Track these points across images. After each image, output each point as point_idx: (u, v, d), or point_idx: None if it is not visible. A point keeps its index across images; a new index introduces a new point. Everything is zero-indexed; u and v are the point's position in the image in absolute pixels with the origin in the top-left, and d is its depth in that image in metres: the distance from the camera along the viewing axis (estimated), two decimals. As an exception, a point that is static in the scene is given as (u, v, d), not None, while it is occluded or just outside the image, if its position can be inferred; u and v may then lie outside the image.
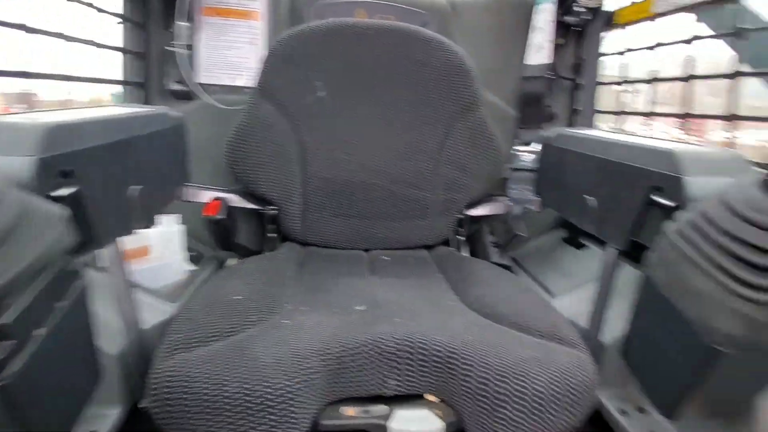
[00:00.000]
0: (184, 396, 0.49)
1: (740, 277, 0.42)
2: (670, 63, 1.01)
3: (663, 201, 0.60)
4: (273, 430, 0.49)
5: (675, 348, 0.52)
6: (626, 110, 1.16)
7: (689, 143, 0.82)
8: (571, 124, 1.24)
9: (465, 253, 1.00)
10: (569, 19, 1.14)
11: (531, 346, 0.58)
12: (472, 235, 1.07)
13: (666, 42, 1.00)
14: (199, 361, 0.51)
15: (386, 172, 0.94)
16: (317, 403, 0.53)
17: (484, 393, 0.53)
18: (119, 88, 1.07)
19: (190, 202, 0.91)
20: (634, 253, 0.67)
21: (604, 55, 1.20)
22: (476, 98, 0.93)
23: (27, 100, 0.91)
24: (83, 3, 0.89)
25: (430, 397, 0.58)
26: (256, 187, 0.93)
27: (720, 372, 0.48)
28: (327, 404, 0.55)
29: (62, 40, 0.83)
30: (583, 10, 1.12)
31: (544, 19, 1.13)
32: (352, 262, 0.87)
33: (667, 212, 0.58)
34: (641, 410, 0.76)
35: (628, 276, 0.73)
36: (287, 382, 0.50)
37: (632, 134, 0.97)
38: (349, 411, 0.56)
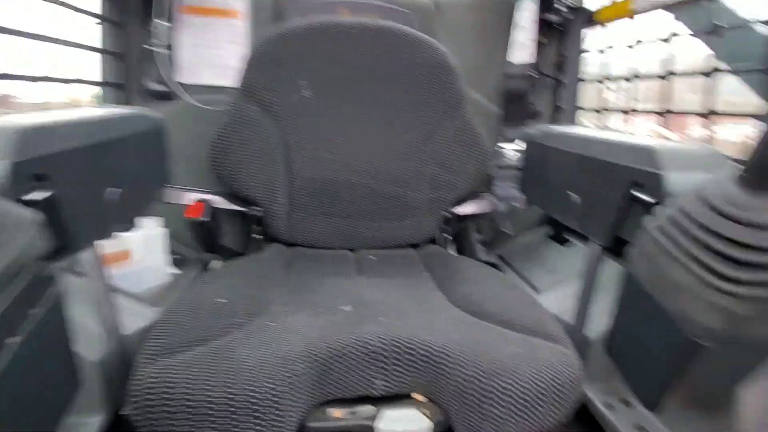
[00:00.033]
0: (167, 402, 0.48)
1: (718, 270, 0.43)
2: (651, 61, 1.02)
3: (643, 197, 0.61)
4: None
5: (657, 342, 0.52)
6: (608, 107, 1.17)
7: (669, 140, 0.83)
8: (554, 122, 1.26)
9: (452, 251, 1.00)
10: (551, 17, 1.16)
11: (517, 342, 0.58)
12: (459, 233, 1.07)
13: (645, 40, 1.02)
14: (182, 366, 0.50)
15: (372, 171, 0.93)
16: (304, 405, 0.53)
17: (471, 391, 0.53)
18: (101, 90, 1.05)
19: (172, 204, 0.90)
20: (617, 248, 0.68)
21: (585, 52, 1.21)
22: (461, 97, 0.94)
23: (4, 103, 0.89)
24: (60, 3, 0.86)
25: (418, 397, 0.58)
26: (240, 188, 0.92)
27: (701, 364, 0.48)
28: (313, 406, 0.54)
29: (39, 42, 0.81)
30: (564, 8, 1.14)
31: (526, 17, 1.14)
32: (338, 263, 0.87)
33: (648, 208, 0.59)
34: (627, 404, 0.77)
35: (611, 271, 0.74)
36: (272, 385, 0.50)
37: (614, 131, 0.98)
38: (336, 412, 0.55)
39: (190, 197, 0.91)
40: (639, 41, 1.03)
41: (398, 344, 0.56)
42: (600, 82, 1.18)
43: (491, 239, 1.10)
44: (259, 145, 0.90)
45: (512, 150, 1.08)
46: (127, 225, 0.74)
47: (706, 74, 0.83)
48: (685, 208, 0.46)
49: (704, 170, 0.57)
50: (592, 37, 1.20)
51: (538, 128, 0.98)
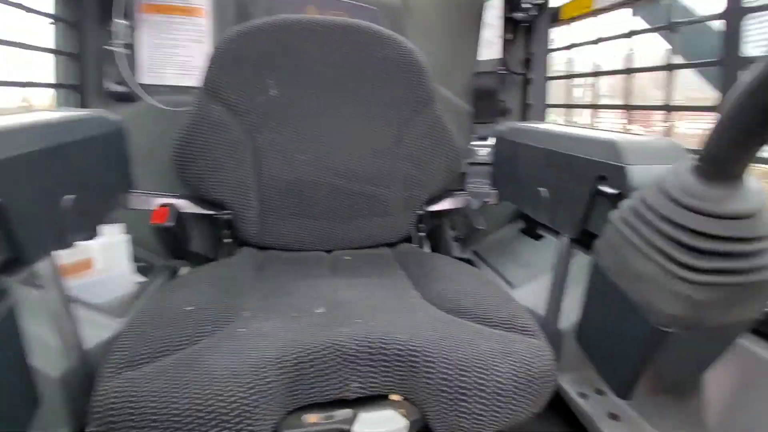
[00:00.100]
0: (131, 418, 0.46)
1: (678, 259, 0.44)
2: (616, 58, 1.05)
3: (608, 190, 0.62)
4: None
5: (624, 331, 0.54)
6: (575, 103, 1.20)
7: (633, 133, 0.85)
8: (524, 118, 1.28)
9: (426, 248, 1.00)
10: (517, 15, 1.17)
11: (491, 338, 0.59)
12: (433, 230, 1.07)
13: (606, 37, 1.04)
14: (146, 378, 0.48)
15: (344, 170, 0.92)
16: (277, 413, 0.51)
17: (445, 388, 0.53)
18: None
19: (136, 210, 0.87)
20: (586, 241, 0.70)
21: (553, 50, 1.23)
22: (430, 94, 0.94)
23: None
24: (9, 3, 0.82)
25: (395, 397, 0.57)
26: (207, 191, 0.89)
27: (667, 352, 0.50)
28: (288, 413, 0.53)
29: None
30: (529, 6, 1.15)
31: (492, 15, 1.15)
32: (312, 264, 0.86)
33: (613, 200, 0.60)
34: (600, 392, 0.79)
35: (583, 264, 0.75)
36: (243, 395, 0.48)
37: (580, 126, 1.01)
38: (312, 418, 0.54)
39: (155, 202, 0.88)
40: (600, 38, 1.06)
41: (372, 345, 0.55)
42: (567, 78, 1.20)
43: (465, 236, 1.11)
44: (225, 147, 0.88)
45: (485, 147, 1.09)
46: (88, 233, 0.71)
47: (665, 69, 0.86)
48: (646, 199, 0.48)
49: (665, 162, 0.58)
50: (558, 35, 1.22)
51: (506, 125, 0.99)
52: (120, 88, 1.02)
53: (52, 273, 0.61)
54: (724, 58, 0.72)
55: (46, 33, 0.97)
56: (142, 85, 1.03)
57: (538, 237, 1.12)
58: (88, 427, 0.53)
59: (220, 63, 0.87)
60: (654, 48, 0.95)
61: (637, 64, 0.96)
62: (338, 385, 0.54)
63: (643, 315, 0.49)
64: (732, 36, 0.70)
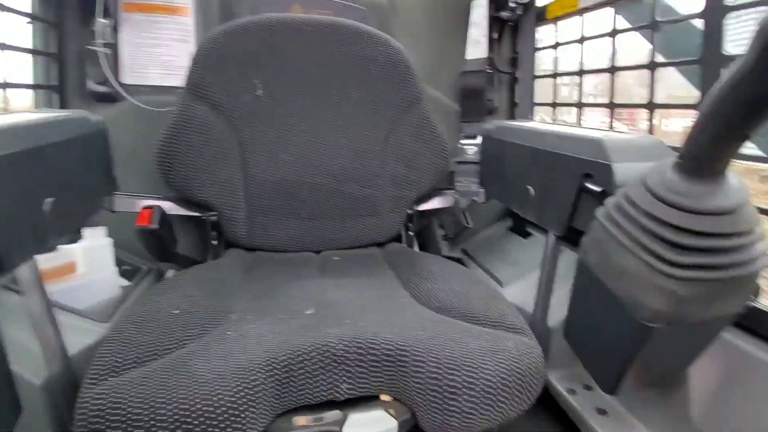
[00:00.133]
0: (115, 425, 0.45)
1: (661, 255, 0.45)
2: (602, 56, 1.06)
3: (594, 187, 0.63)
4: None
5: (610, 326, 0.54)
6: (561, 102, 1.21)
7: (618, 131, 0.86)
8: (511, 117, 1.28)
9: (416, 248, 1.00)
10: (503, 14, 1.18)
11: (480, 336, 0.59)
12: (422, 229, 1.07)
13: (590, 36, 1.05)
14: (131, 384, 0.47)
15: (332, 170, 0.92)
16: (266, 416, 0.51)
17: (435, 387, 0.53)
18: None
19: (120, 212, 0.85)
20: (573, 238, 0.70)
21: (539, 49, 1.24)
22: (418, 93, 0.94)
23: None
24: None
25: (384, 397, 0.57)
26: (193, 192, 0.88)
27: (652, 347, 0.50)
28: (277, 416, 0.53)
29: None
30: (515, 5, 1.16)
31: (479, 14, 1.16)
32: (301, 265, 0.85)
33: (599, 198, 0.61)
34: (588, 388, 0.80)
35: (571, 261, 0.76)
36: (231, 398, 0.48)
37: (565, 124, 1.01)
38: (301, 420, 0.54)
39: (140, 204, 0.86)
40: (583, 37, 1.07)
41: (361, 345, 0.55)
42: (552, 77, 1.21)
43: (454, 234, 1.11)
44: (211, 147, 0.87)
45: (472, 146, 1.10)
46: (71, 236, 0.69)
47: (647, 68, 0.87)
48: (631, 196, 0.48)
49: (649, 159, 0.59)
50: (545, 34, 1.23)
51: (494, 123, 1.00)
52: (102, 89, 1.00)
53: (33, 278, 0.60)
54: (705, 57, 0.73)
55: (23, 32, 0.94)
56: (124, 85, 1.02)
57: (526, 235, 1.13)
58: (72, 434, 0.52)
59: (204, 62, 0.85)
60: (638, 47, 0.97)
61: (621, 63, 0.97)
62: (328, 387, 0.54)
63: (627, 311, 0.49)
64: (713, 34, 0.71)
